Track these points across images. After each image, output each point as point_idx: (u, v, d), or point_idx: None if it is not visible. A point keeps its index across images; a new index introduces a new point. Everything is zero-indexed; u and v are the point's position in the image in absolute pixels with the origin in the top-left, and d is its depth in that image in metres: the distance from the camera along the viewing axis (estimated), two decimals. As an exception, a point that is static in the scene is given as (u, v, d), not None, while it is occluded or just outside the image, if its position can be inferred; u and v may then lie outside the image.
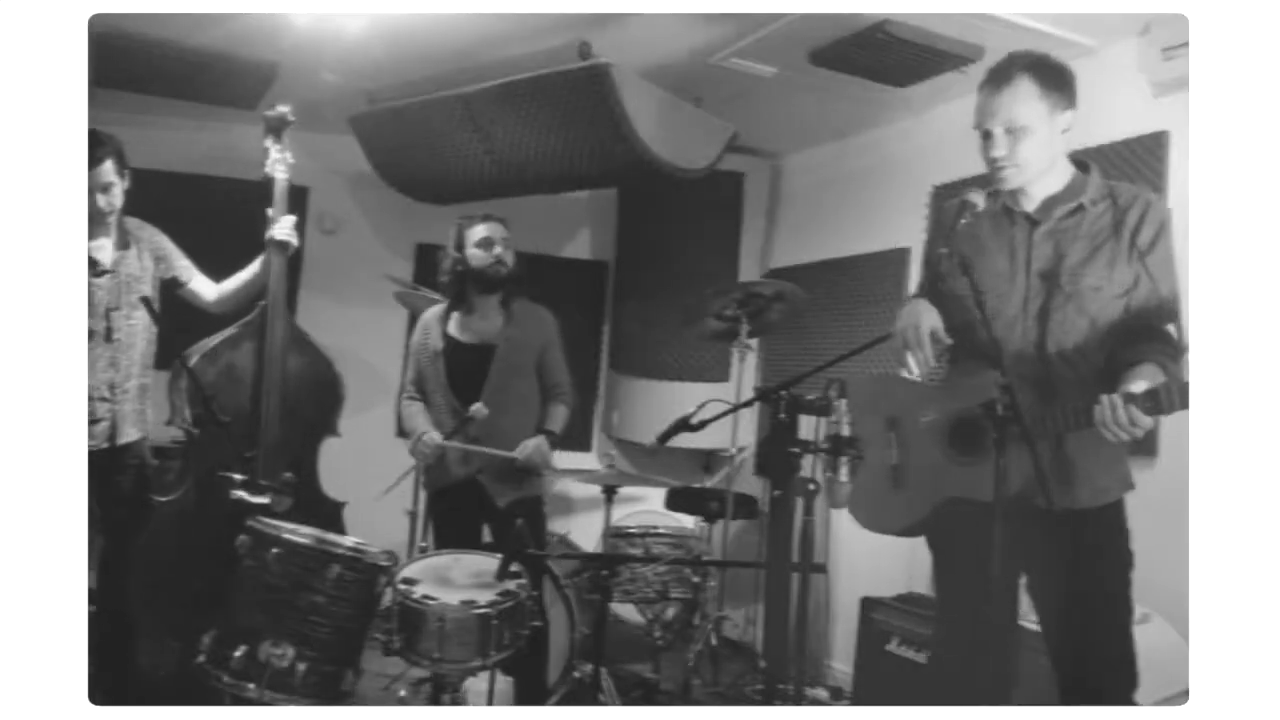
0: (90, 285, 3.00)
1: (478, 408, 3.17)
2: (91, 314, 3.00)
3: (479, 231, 3.32)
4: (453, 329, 3.36)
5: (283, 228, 3.28)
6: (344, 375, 3.44)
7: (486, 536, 3.35)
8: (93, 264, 3.03)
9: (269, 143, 3.37)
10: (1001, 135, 2.05)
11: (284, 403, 3.22)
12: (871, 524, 2.41)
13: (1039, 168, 2.08)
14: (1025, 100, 2.03)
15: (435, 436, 3.23)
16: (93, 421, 3.02)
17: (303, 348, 3.35)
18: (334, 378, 3.40)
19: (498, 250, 3.30)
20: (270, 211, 3.30)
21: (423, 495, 4.08)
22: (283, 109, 3.38)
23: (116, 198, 3.02)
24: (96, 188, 2.96)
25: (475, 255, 3.29)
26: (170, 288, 3.26)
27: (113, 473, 3.00)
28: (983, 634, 2.01)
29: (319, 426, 3.39)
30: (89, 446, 3.04)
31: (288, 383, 3.25)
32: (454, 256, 3.33)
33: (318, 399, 3.37)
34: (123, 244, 3.11)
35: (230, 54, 3.92)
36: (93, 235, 3.03)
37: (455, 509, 3.32)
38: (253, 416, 3.17)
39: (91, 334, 3.00)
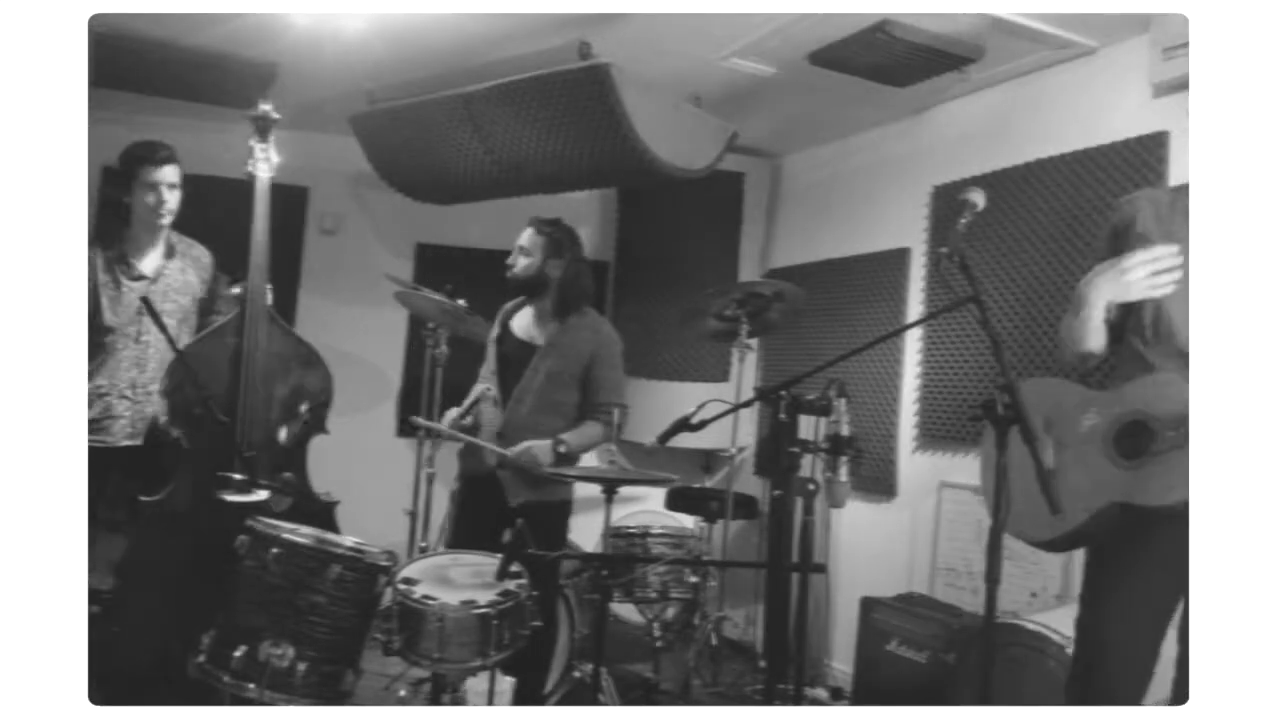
0: (125, 288, 3.17)
1: (484, 388, 3.23)
2: (122, 315, 3.10)
3: (519, 239, 3.38)
4: (513, 322, 3.42)
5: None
6: (332, 373, 3.43)
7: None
8: (131, 267, 3.18)
9: (253, 142, 3.37)
10: None
11: (266, 401, 3.21)
12: (1019, 532, 2.22)
13: None
14: None
15: (449, 416, 3.31)
16: (112, 418, 3.10)
17: (289, 346, 3.33)
18: (321, 375, 3.37)
19: (510, 260, 3.34)
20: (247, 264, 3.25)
21: (424, 493, 4.09)
22: (265, 107, 3.37)
23: (175, 202, 3.17)
24: (164, 184, 3.14)
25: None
26: (204, 309, 3.35)
27: (132, 472, 3.08)
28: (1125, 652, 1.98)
29: (307, 424, 3.36)
30: (107, 443, 3.11)
31: (271, 380, 3.23)
32: None
33: (303, 397, 3.34)
34: (169, 254, 3.27)
35: (230, 54, 3.92)
36: (141, 243, 3.22)
37: (476, 503, 3.31)
38: (232, 414, 3.15)
39: (120, 333, 3.11)
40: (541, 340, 3.31)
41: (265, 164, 3.33)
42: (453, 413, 3.32)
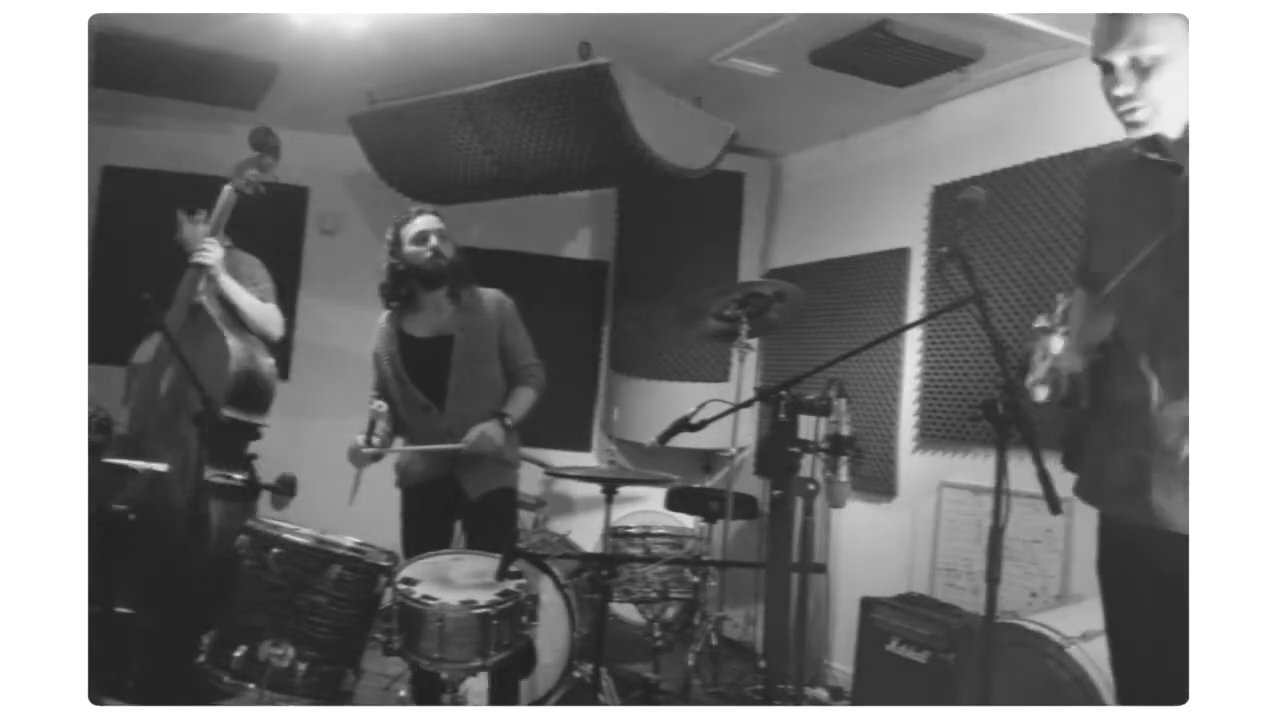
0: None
1: (378, 406, 3.12)
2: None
3: (415, 226, 3.24)
4: (406, 326, 3.29)
5: (203, 251, 3.41)
6: (252, 370, 3.48)
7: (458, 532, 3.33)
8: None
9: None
10: (1125, 69, 1.66)
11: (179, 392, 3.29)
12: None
13: (1176, 108, 1.66)
14: (1159, 22, 1.61)
15: (358, 439, 3.09)
16: None
17: (210, 344, 3.37)
18: (229, 368, 3.36)
19: (434, 243, 3.21)
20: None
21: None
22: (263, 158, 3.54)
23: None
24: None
25: (412, 252, 3.21)
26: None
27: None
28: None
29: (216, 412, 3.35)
30: None
31: (185, 376, 3.21)
32: (390, 261, 3.26)
33: (226, 388, 3.35)
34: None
35: (230, 54, 3.92)
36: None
37: (426, 506, 3.25)
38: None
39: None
40: (452, 329, 3.22)
41: (246, 184, 3.50)
42: (359, 439, 3.09)
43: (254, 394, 3.48)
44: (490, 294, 3.34)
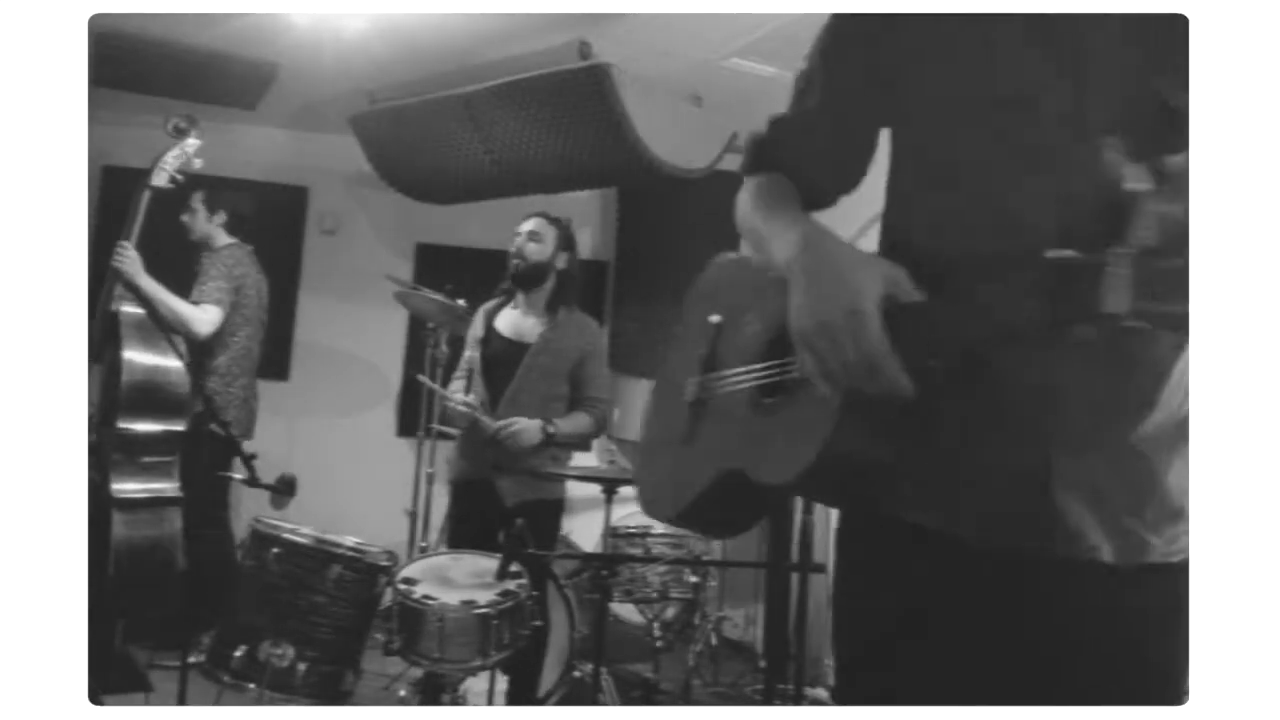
0: None
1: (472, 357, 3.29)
2: None
3: (523, 224, 3.32)
4: (498, 321, 3.35)
5: (119, 256, 3.36)
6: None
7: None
8: None
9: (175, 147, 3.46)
10: None
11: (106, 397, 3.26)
12: (649, 506, 1.38)
13: None
14: None
15: (459, 396, 3.25)
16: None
17: (108, 356, 3.31)
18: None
19: (518, 243, 3.26)
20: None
21: (424, 493, 4.09)
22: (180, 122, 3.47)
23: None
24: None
25: (512, 246, 3.29)
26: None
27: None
28: None
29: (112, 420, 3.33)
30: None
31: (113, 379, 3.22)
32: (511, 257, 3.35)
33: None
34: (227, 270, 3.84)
35: (230, 54, 3.92)
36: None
37: (467, 507, 3.29)
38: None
39: None
40: (532, 338, 3.26)
41: (164, 175, 3.41)
42: (456, 392, 3.27)
43: (157, 402, 3.31)
44: (584, 320, 3.38)
